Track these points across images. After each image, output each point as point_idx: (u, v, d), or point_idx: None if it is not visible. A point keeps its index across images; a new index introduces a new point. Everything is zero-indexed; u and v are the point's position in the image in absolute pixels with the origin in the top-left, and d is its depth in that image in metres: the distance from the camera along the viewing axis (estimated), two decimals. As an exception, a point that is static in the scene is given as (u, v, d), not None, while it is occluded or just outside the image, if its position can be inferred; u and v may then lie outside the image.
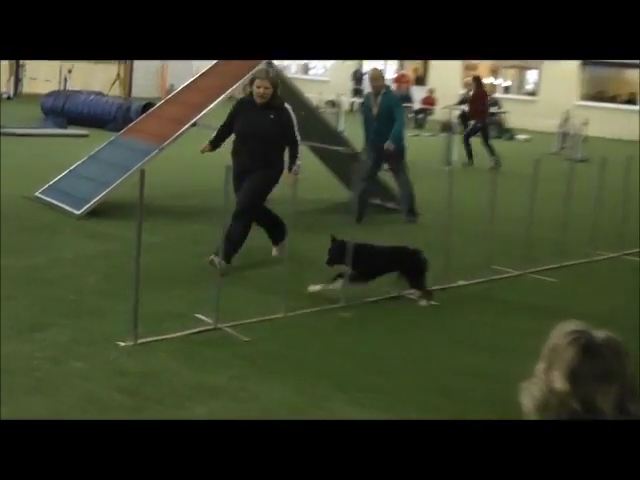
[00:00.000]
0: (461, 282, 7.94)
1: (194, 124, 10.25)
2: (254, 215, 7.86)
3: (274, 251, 8.25)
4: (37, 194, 10.51)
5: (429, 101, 27.89)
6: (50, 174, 10.94)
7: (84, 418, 4.55)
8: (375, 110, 10.86)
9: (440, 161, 17.43)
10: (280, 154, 7.82)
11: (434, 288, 7.61)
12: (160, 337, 5.85)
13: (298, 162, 7.84)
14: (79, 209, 9.67)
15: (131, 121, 13.24)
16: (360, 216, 10.26)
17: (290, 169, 7.81)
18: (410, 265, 7.21)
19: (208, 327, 6.11)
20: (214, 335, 6.02)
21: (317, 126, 11.02)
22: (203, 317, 6.25)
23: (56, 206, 9.99)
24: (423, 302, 7.12)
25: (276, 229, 8.20)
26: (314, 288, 6.97)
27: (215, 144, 8.19)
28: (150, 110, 11.96)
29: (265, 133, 7.68)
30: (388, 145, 10.53)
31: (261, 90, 7.75)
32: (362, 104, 11.65)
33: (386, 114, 10.68)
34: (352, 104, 32.86)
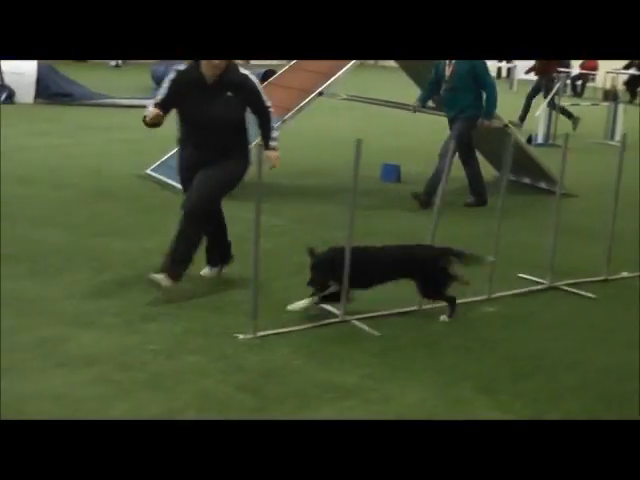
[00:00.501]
0: (625, 274, 7.79)
1: (320, 93, 10.39)
2: (208, 219, 6.86)
3: (206, 270, 7.13)
4: (148, 171, 10.88)
5: (590, 65, 27.27)
6: (161, 149, 11.30)
7: (201, 417, 4.72)
8: (448, 72, 10.13)
9: (602, 134, 17.08)
10: (246, 141, 6.78)
11: (594, 279, 7.51)
12: (282, 330, 5.98)
13: (274, 133, 6.77)
14: (193, 188, 9.93)
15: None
16: (482, 200, 10.27)
17: (267, 145, 6.66)
18: (424, 270, 6.45)
19: (335, 320, 6.22)
20: (342, 329, 6.12)
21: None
22: (330, 308, 6.36)
23: (168, 184, 10.30)
24: (443, 317, 6.47)
25: (222, 247, 7.16)
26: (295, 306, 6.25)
27: (163, 108, 6.62)
28: (271, 78, 12.15)
29: (224, 120, 6.57)
30: (484, 123, 10.08)
31: (215, 61, 6.42)
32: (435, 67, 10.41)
33: (462, 78, 9.96)
34: (499, 69, 32.55)
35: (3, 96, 17.15)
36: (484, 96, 10.10)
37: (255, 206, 5.89)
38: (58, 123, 14.94)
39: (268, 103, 6.71)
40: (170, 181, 10.33)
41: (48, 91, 17.36)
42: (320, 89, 10.40)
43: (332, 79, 10.42)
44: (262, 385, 5.18)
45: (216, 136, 6.58)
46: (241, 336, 5.82)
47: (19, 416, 4.59)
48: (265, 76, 16.81)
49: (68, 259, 7.41)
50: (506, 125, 10.82)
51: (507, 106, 18.08)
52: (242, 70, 6.61)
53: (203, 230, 6.78)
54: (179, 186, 9.99)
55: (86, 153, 12.37)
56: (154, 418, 4.67)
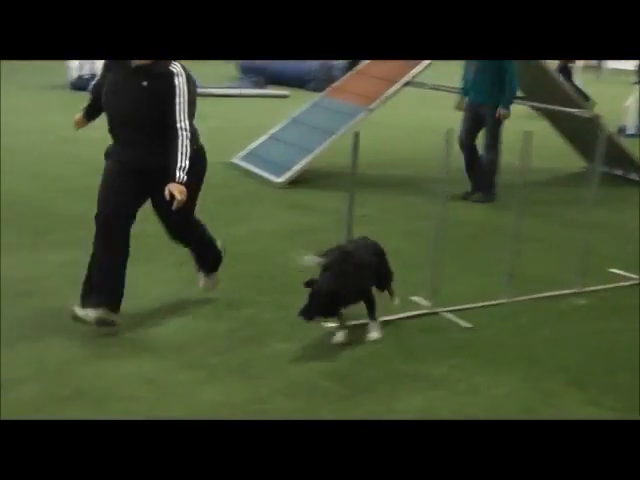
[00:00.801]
0: None
1: (407, 82, 10.37)
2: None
3: (201, 282, 6.34)
4: (235, 160, 10.98)
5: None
6: (248, 138, 11.41)
7: (289, 404, 4.80)
8: None
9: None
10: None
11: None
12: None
13: (182, 163, 5.33)
14: (279, 177, 10.03)
15: (335, 80, 13.52)
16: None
17: (172, 176, 5.30)
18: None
19: (425, 311, 6.22)
20: (431, 320, 6.11)
21: (545, 83, 10.86)
22: (419, 299, 6.36)
23: (255, 173, 10.39)
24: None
25: (209, 251, 6.32)
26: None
27: (90, 115, 5.85)
28: (356, 67, 12.16)
29: (136, 112, 5.43)
30: (502, 112, 9.71)
31: None
32: None
33: (489, 64, 9.58)
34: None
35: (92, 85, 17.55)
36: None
37: (349, 195, 5.91)
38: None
39: (182, 123, 5.35)
40: (258, 170, 10.42)
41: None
42: (406, 78, 10.38)
43: (418, 68, 10.39)
44: (350, 373, 5.22)
45: (136, 134, 5.47)
46: (330, 324, 5.85)
47: (115, 400, 4.74)
48: (349, 66, 16.87)
49: (157, 245, 7.49)
50: (597, 115, 10.67)
51: (595, 96, 17.88)
52: (175, 65, 5.38)
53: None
54: (266, 175, 10.18)
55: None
56: (243, 404, 4.76)
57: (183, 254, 7.24)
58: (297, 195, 9.59)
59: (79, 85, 17.51)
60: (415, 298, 6.39)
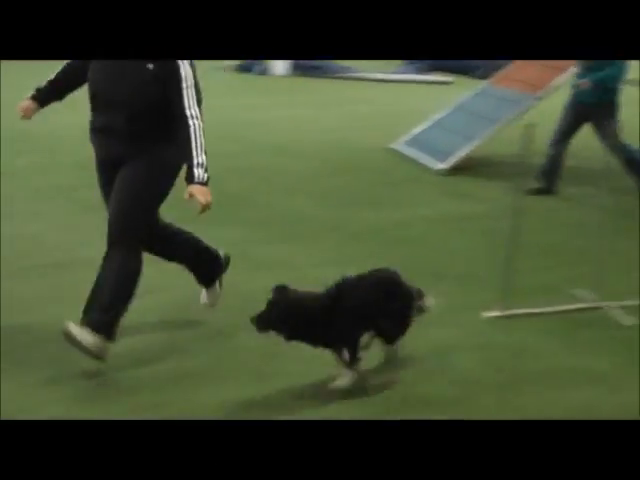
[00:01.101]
0: None
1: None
2: (140, 241, 4.97)
3: (202, 297, 5.61)
4: (397, 145, 10.97)
5: None
6: (410, 124, 11.40)
7: (448, 391, 4.82)
8: None
9: None
10: (174, 130, 4.80)
11: None
12: (531, 310, 5.90)
13: (199, 158, 4.68)
14: (442, 164, 9.97)
15: (502, 67, 13.32)
16: (549, 188, 9.27)
17: (189, 176, 4.67)
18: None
19: (588, 305, 6.07)
20: (593, 315, 5.97)
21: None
22: (582, 293, 6.22)
23: (416, 159, 10.36)
24: None
25: (204, 263, 5.50)
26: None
27: (43, 98, 5.16)
28: (524, 55, 11.92)
29: (134, 98, 4.79)
30: (582, 81, 8.94)
31: None
32: None
33: (597, 64, 8.84)
34: None
35: (259, 67, 17.95)
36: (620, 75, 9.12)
37: (515, 184, 5.81)
38: (308, 95, 15.36)
39: (192, 110, 4.75)
40: (419, 156, 10.40)
41: (301, 63, 17.89)
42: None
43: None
44: (510, 363, 5.18)
45: (123, 121, 4.83)
46: (488, 314, 5.78)
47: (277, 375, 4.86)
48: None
49: (315, 227, 7.62)
50: None
51: None
52: None
53: (136, 259, 4.93)
54: (428, 161, 10.12)
55: (332, 125, 12.62)
56: (404, 388, 4.81)
57: (340, 236, 7.31)
58: (458, 182, 9.51)
59: (245, 67, 17.95)
60: (577, 291, 6.25)
